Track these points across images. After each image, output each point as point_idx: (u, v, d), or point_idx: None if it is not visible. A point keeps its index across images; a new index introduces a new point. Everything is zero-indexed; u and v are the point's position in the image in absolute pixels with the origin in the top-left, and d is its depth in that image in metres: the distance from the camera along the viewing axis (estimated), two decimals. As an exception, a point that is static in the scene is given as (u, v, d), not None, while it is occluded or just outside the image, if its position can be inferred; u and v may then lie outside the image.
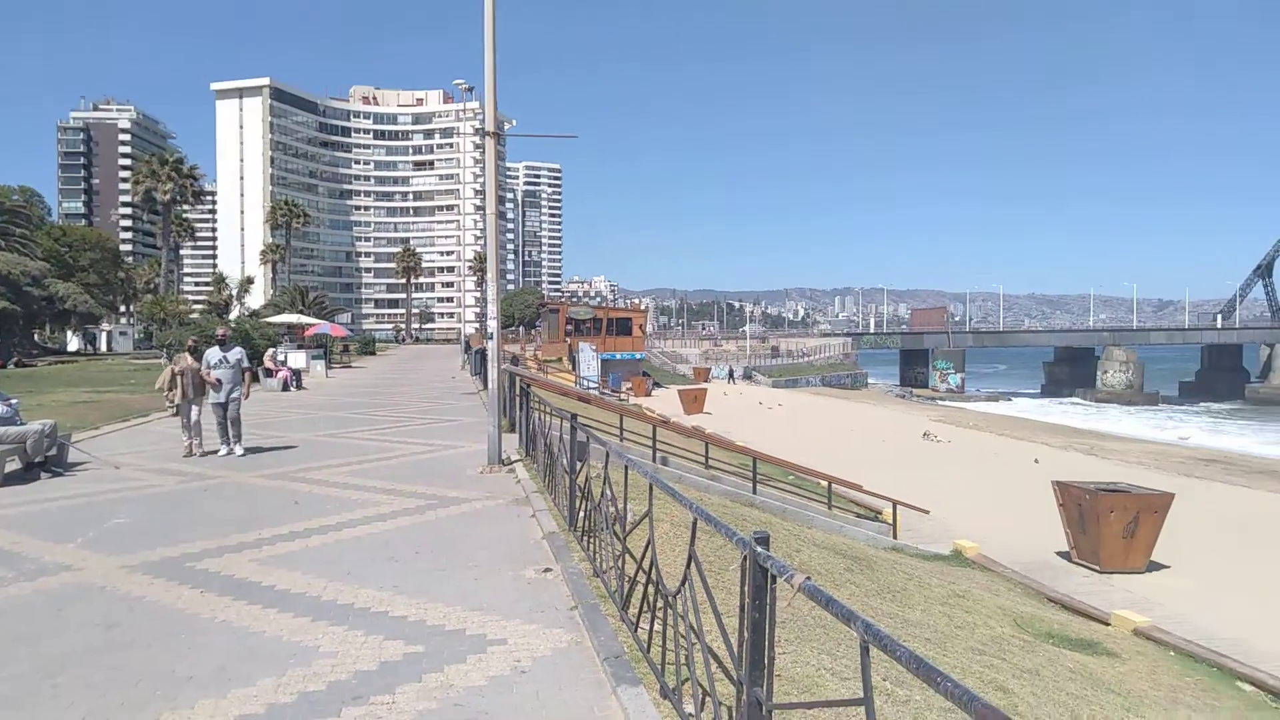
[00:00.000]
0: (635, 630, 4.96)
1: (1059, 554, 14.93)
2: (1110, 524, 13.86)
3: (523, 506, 9.01)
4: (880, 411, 48.54)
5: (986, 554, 13.60)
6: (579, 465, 7.61)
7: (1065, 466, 26.54)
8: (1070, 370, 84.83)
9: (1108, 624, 10.28)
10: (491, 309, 12.32)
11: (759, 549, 3.17)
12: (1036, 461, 27.61)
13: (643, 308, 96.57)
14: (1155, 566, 14.13)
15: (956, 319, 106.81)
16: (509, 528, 8.11)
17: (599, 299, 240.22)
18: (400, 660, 4.75)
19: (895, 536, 14.47)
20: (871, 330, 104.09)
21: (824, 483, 16.11)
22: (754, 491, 13.91)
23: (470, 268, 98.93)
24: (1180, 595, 12.78)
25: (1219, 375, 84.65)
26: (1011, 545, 15.19)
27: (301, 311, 52.56)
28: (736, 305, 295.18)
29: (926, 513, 15.24)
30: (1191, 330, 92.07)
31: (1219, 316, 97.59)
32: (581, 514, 7.21)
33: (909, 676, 3.74)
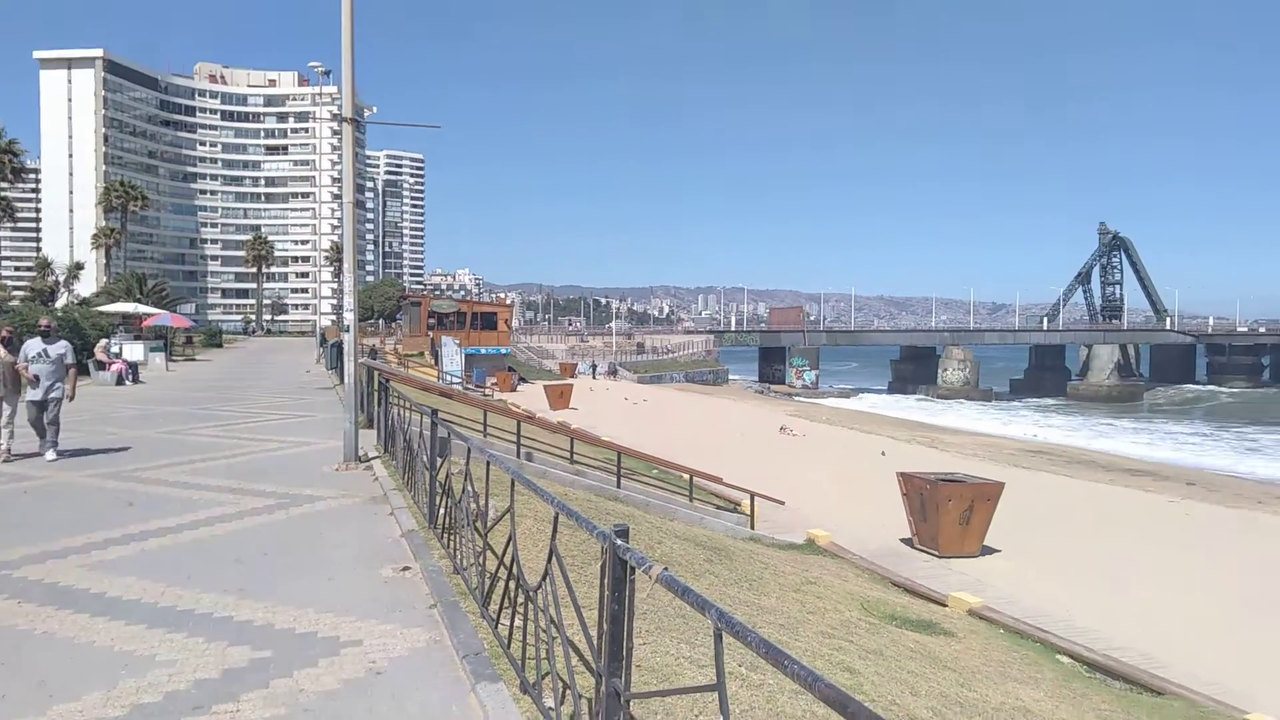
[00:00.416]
0: (496, 627, 4.92)
1: (903, 540, 15.81)
2: (948, 512, 14.79)
3: (380, 504, 8.76)
4: (740, 407, 49.95)
5: (837, 542, 14.24)
6: (440, 461, 7.46)
7: (909, 458, 28.12)
8: (914, 368, 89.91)
9: (945, 605, 10.98)
10: (348, 301, 11.89)
11: (618, 542, 3.21)
12: (883, 454, 29.11)
13: (509, 302, 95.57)
14: (988, 550, 15.18)
15: (812, 319, 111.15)
16: (366, 526, 7.86)
17: (463, 293, 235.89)
18: (246, 666, 4.52)
19: (753, 527, 14.94)
20: (733, 328, 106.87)
21: (686, 476, 16.43)
22: (618, 486, 14.03)
23: (327, 258, 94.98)
24: (1009, 577, 13.78)
25: (1045, 373, 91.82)
26: (860, 533, 15.97)
27: (139, 300, 48.98)
28: (603, 302, 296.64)
29: (782, 503, 15.82)
30: (1021, 331, 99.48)
31: (1045, 319, 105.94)
32: (442, 511, 7.08)
33: (762, 661, 3.87)
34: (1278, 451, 43.97)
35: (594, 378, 62.07)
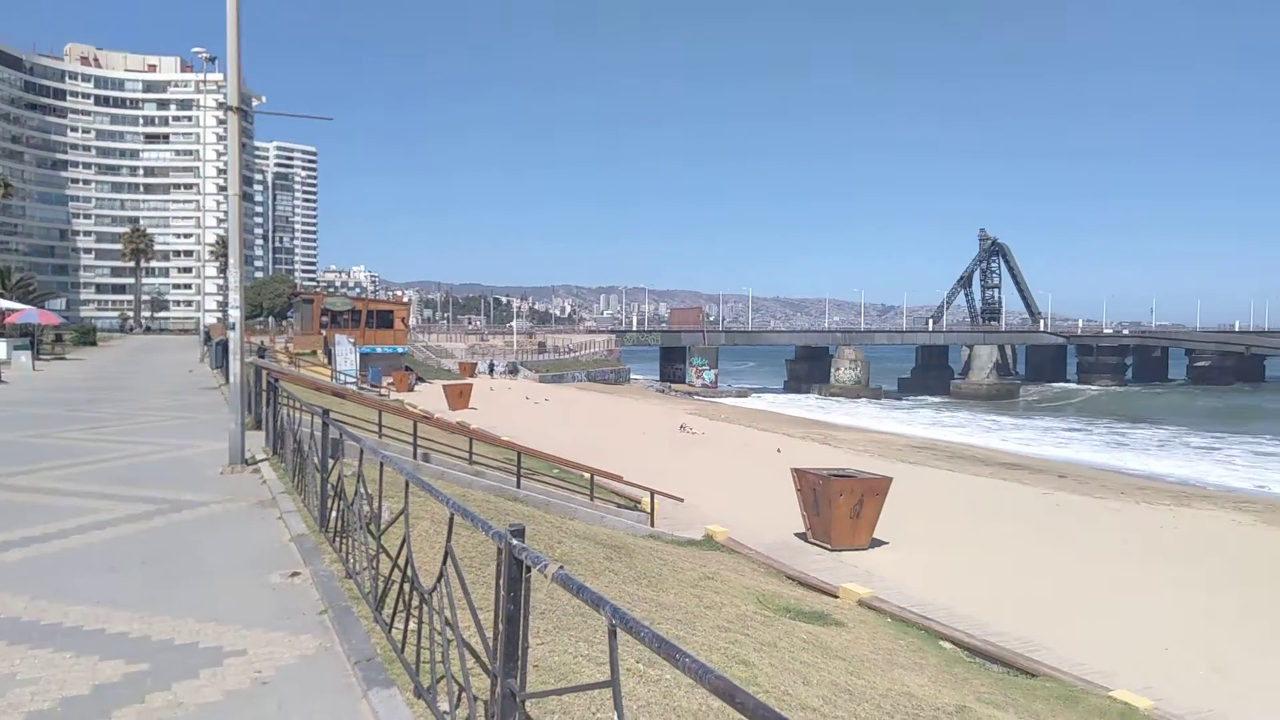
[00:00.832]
0: (390, 631, 4.82)
1: (797, 535, 16.23)
2: (840, 506, 15.27)
3: (269, 508, 8.45)
4: (641, 406, 50.28)
5: (735, 538, 14.51)
6: (332, 463, 7.25)
7: (804, 455, 28.88)
8: (809, 367, 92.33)
9: (836, 596, 11.34)
10: (234, 297, 11.41)
11: (514, 541, 3.19)
12: (779, 451, 29.81)
13: (405, 300, 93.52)
14: (877, 543, 15.74)
15: (711, 319, 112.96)
16: (253, 531, 7.57)
17: (358, 290, 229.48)
18: (119, 681, 4.30)
19: (653, 525, 15.07)
20: (634, 328, 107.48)
21: (587, 475, 16.44)
22: (518, 486, 13.93)
23: (212, 252, 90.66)
24: (896, 567, 14.33)
25: (930, 372, 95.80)
26: (757, 528, 16.31)
27: (2, 295, 45.73)
28: (504, 300, 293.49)
29: (681, 500, 16.02)
30: (908, 332, 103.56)
31: (930, 321, 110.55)
32: (334, 514, 6.88)
33: (660, 657, 3.94)
34: (1145, 445, 47.12)
35: (492, 376, 61.37)
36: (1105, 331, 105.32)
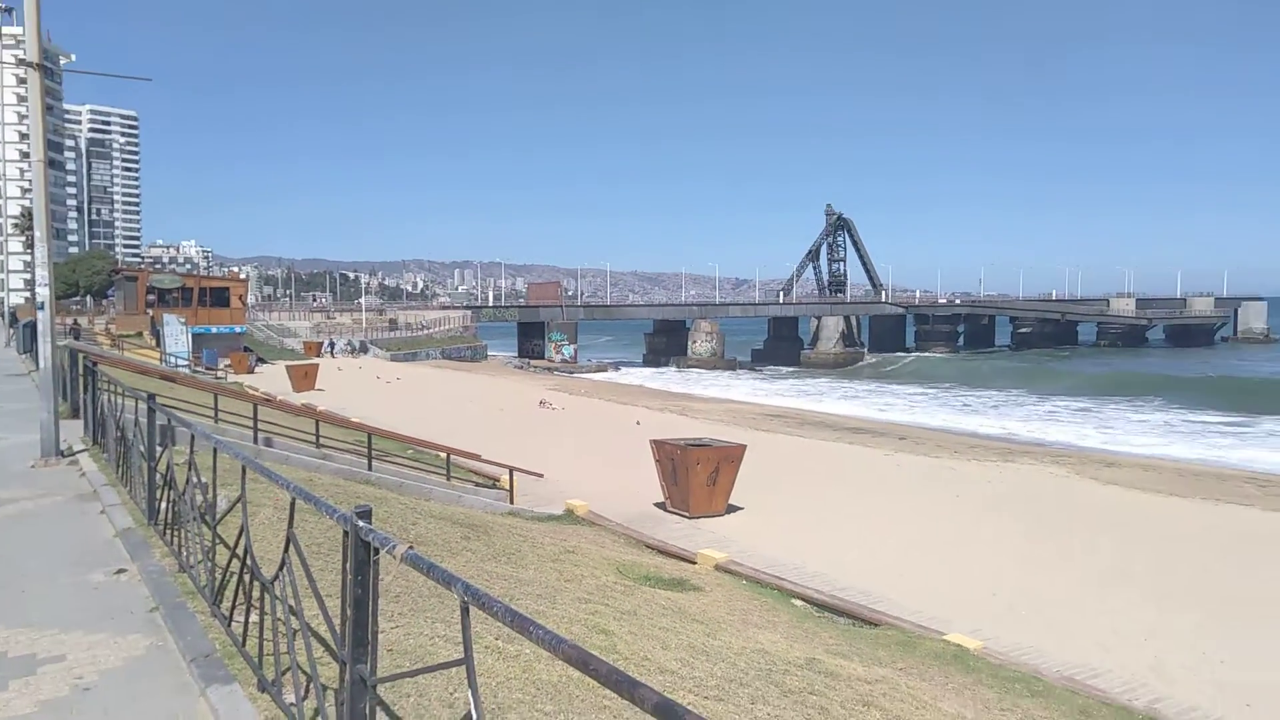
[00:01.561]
0: (229, 625, 4.54)
1: (656, 504, 16.52)
2: (697, 474, 15.63)
3: (89, 502, 7.79)
4: (499, 382, 49.70)
5: (595, 510, 14.59)
6: (161, 452, 6.75)
7: (662, 426, 29.36)
8: (667, 340, 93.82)
9: (695, 563, 11.61)
10: (42, 274, 10.40)
11: (360, 523, 3.05)
12: (638, 423, 30.18)
13: (243, 277, 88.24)
14: (733, 509, 16.22)
15: (570, 293, 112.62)
16: (71, 528, 6.96)
17: (189, 266, 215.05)
18: (-90, 701, 3.85)
19: (512, 502, 14.95)
20: (491, 304, 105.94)
21: (442, 455, 16.09)
22: (369, 468, 13.46)
23: (16, 225, 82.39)
24: (751, 531, 14.84)
25: (782, 343, 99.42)
26: (617, 500, 16.47)
27: None
28: (351, 276, 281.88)
29: (541, 476, 15.95)
30: (761, 305, 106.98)
31: (781, 293, 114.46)
32: (164, 505, 6.43)
33: (515, 631, 3.91)
34: (977, 407, 50.62)
35: (333, 355, 58.98)
36: (940, 301, 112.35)
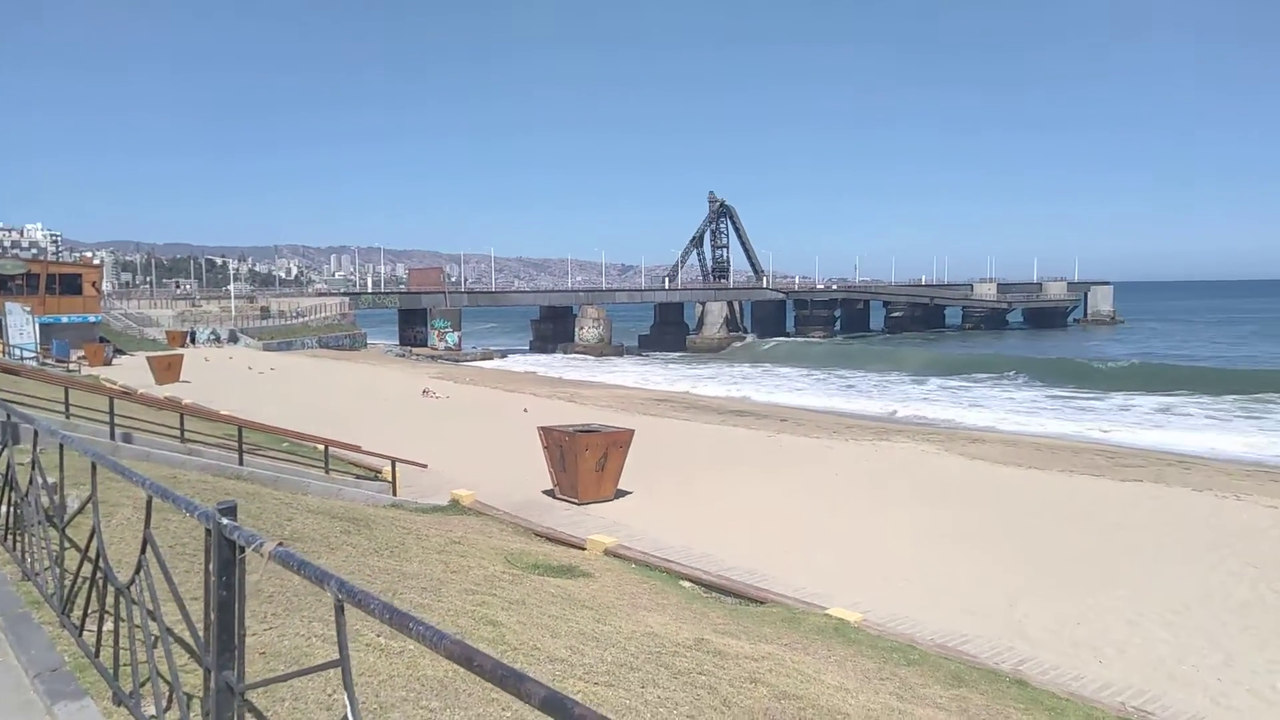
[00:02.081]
0: (80, 635, 4.20)
1: (545, 492, 16.40)
2: (585, 460, 15.59)
3: (-83, 509, 7.08)
4: (381, 371, 48.28)
5: (482, 500, 14.36)
6: (1, 451, 6.19)
7: (550, 413, 29.19)
8: (554, 327, 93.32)
9: (584, 549, 11.58)
10: None
11: (224, 520, 2.85)
12: (526, 410, 29.89)
13: (96, 262, 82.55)
14: (621, 493, 16.28)
15: (453, 279, 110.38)
16: (-106, 537, 6.30)
17: (34, 252, 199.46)
18: None
19: (395, 494, 14.53)
20: (370, 290, 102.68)
21: (320, 446, 15.48)
22: (241, 463, 12.80)
23: None
24: (640, 515, 14.93)
25: (668, 329, 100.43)
26: (505, 489, 16.27)
27: None
28: (219, 262, 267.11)
29: (425, 467, 15.56)
30: (647, 291, 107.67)
31: (666, 279, 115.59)
32: (5, 509, 5.90)
33: (393, 628, 3.78)
34: (854, 388, 52.48)
35: (194, 345, 56.00)
36: (818, 287, 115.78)
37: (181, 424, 13.98)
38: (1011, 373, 56.37)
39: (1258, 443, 29.97)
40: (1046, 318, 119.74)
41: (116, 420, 12.50)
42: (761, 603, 9.40)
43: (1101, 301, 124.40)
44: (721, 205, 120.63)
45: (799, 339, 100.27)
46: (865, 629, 8.36)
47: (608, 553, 11.25)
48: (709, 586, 10.05)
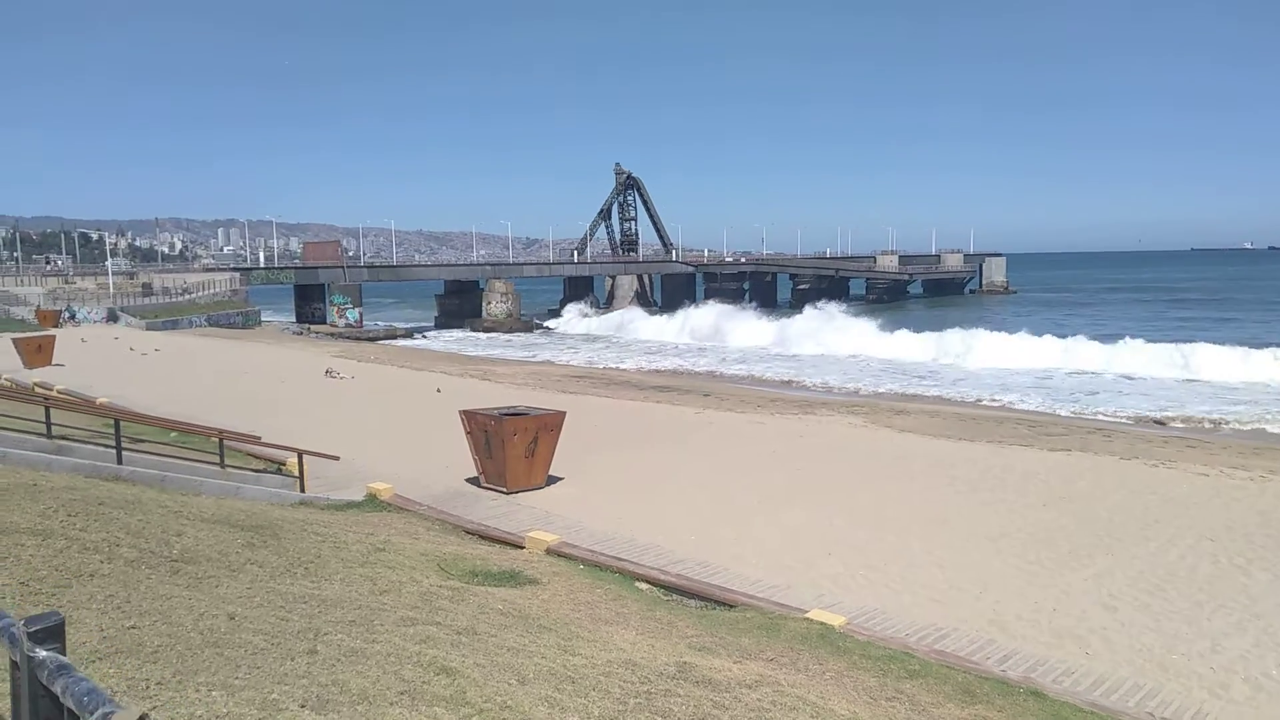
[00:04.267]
0: None
1: (469, 480, 15.15)
2: (514, 446, 14.39)
3: None
4: (278, 351, 45.51)
5: (401, 493, 13.03)
6: None
7: (465, 392, 27.72)
8: (460, 302, 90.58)
9: (523, 547, 10.46)
10: None
11: (39, 653, 1.64)
12: (439, 390, 28.35)
13: (-45, 237, 75.63)
14: (552, 479, 15.17)
15: (351, 254, 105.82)
16: None
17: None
18: None
19: (303, 490, 13.04)
20: (263, 265, 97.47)
21: (215, 439, 13.80)
22: (119, 461, 11.12)
23: None
24: (575, 503, 13.86)
25: (577, 302, 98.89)
26: (424, 479, 14.95)
27: None
28: (95, 236, 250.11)
29: (337, 459, 14.07)
30: (556, 264, 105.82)
31: (575, 253, 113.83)
32: None
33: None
34: (777, 361, 52.22)
35: (75, 324, 51.83)
36: (727, 260, 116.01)
37: (48, 417, 12.12)
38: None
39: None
40: (944, 288, 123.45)
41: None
42: (730, 606, 8.48)
43: (995, 272, 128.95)
44: (629, 178, 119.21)
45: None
46: (851, 634, 7.55)
47: (550, 551, 10.15)
48: (667, 588, 9.08)
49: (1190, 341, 43.64)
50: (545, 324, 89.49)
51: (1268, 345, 41.69)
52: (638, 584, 9.17)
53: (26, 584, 5.26)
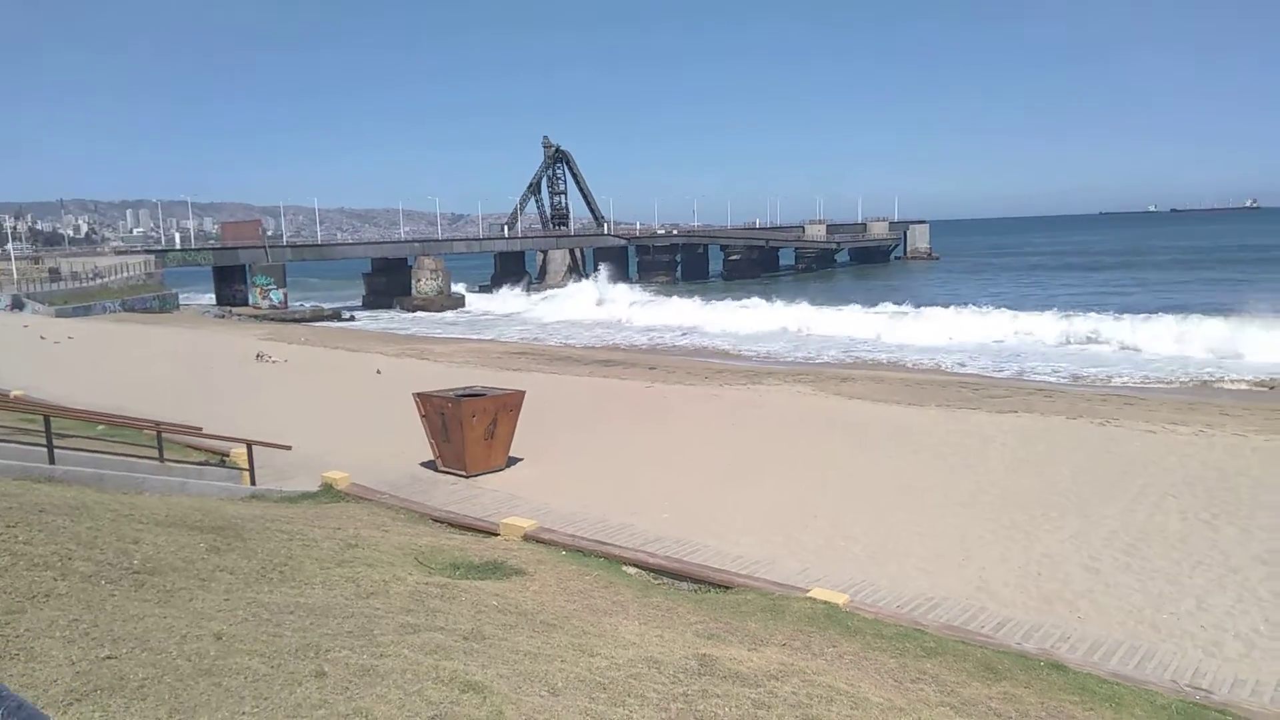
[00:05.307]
0: None
1: (424, 464, 14.59)
2: (473, 428, 13.86)
3: None
4: (201, 335, 43.54)
5: (359, 482, 12.39)
6: None
7: (406, 373, 26.87)
8: (388, 280, 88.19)
9: (498, 534, 10.00)
10: None
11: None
12: (379, 372, 27.42)
13: None
14: (512, 460, 14.70)
15: (271, 233, 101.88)
16: None
17: None
18: None
19: (253, 482, 12.29)
20: (178, 246, 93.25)
21: (150, 431, 12.91)
22: (51, 461, 10.25)
23: None
24: (538, 484, 13.43)
25: (509, 278, 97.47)
26: (378, 464, 14.31)
27: None
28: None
29: (289, 448, 13.31)
30: (486, 240, 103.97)
31: (505, 228, 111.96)
32: None
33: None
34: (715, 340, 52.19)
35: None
36: (659, 233, 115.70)
37: (-37, 416, 11.11)
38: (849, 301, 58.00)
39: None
40: (871, 256, 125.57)
41: None
42: (726, 587, 8.20)
43: (919, 239, 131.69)
44: (557, 151, 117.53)
45: (642, 286, 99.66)
46: (858, 612, 7.34)
47: (528, 538, 9.71)
48: (657, 571, 8.76)
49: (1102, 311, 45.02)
50: (482, 305, 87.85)
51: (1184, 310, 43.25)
52: (625, 568, 8.82)
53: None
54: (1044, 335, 40.94)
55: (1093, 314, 43.63)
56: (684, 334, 49.62)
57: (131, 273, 67.83)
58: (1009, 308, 47.30)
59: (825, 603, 7.35)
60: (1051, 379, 30.05)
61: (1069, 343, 39.26)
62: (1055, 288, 72.85)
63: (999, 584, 9.30)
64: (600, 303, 74.36)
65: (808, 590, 7.72)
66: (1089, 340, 39.10)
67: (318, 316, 70.94)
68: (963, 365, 33.01)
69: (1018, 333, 41.88)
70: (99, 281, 64.07)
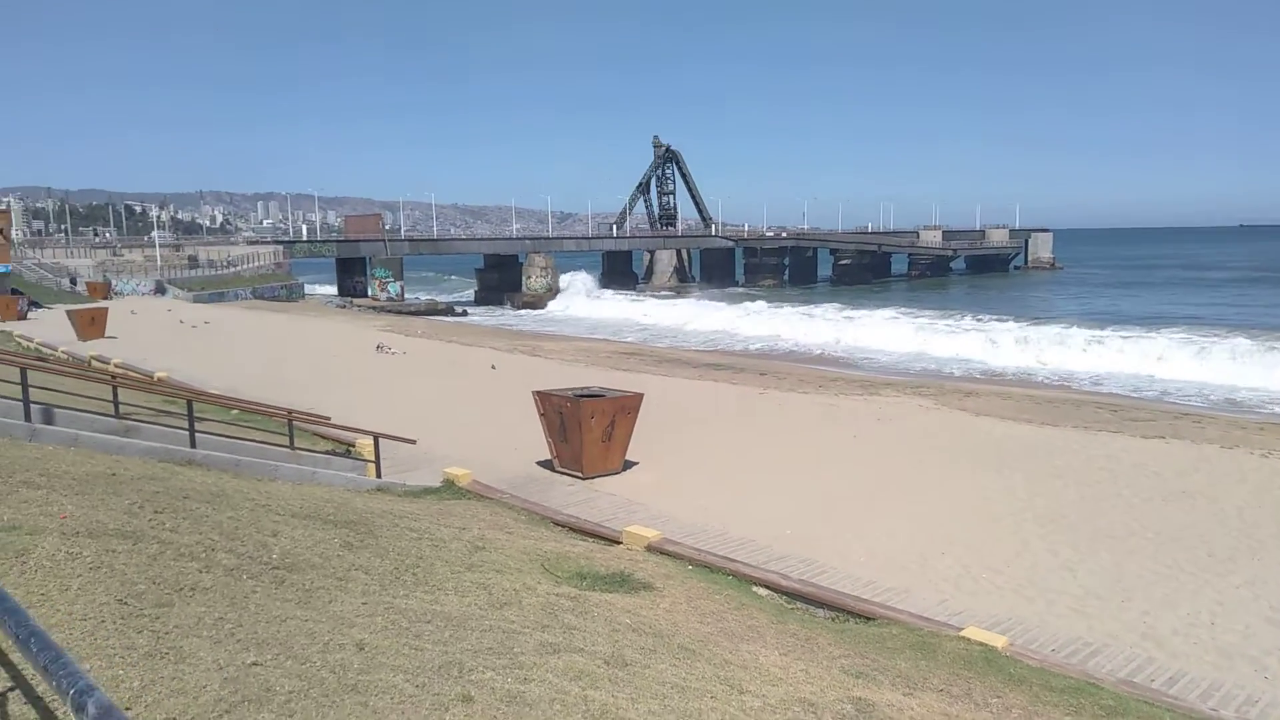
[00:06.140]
0: None
1: (540, 463, 14.51)
2: (591, 429, 13.67)
3: None
4: (325, 324, 45.27)
5: (480, 480, 12.37)
6: None
7: (519, 369, 27.12)
8: (499, 276, 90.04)
9: (620, 542, 9.73)
10: None
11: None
12: (494, 367, 27.75)
13: (4, 208, 76.48)
14: (628, 464, 14.45)
15: (389, 227, 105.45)
16: None
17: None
18: None
19: (379, 475, 12.41)
20: (304, 238, 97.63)
21: (282, 418, 13.23)
22: (193, 445, 10.54)
23: None
24: (656, 490, 13.12)
25: (617, 277, 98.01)
26: (496, 461, 14.30)
27: None
28: (138, 209, 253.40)
29: (413, 442, 13.39)
30: (595, 238, 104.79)
31: (614, 227, 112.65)
32: None
33: None
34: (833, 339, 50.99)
35: (161, 295, 52.08)
36: (767, 235, 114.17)
37: (115, 397, 11.57)
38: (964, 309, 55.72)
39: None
40: (989, 264, 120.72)
41: (29, 395, 10.03)
42: (868, 618, 7.67)
43: (1041, 248, 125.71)
44: (667, 150, 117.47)
45: (748, 289, 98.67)
46: (1019, 658, 6.70)
47: (652, 549, 9.40)
48: (790, 595, 8.29)
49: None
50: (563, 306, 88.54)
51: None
52: (755, 589, 8.39)
53: (124, 602, 4.58)
54: (1182, 361, 37.88)
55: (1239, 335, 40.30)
56: (796, 344, 48.57)
57: (261, 262, 71.33)
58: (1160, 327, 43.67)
59: (982, 644, 6.75)
60: (1196, 402, 27.93)
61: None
62: (1192, 303, 68.19)
63: (1167, 632, 8.44)
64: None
65: (960, 629, 7.12)
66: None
67: (432, 310, 72.91)
68: (1098, 384, 31.05)
69: (1160, 359, 38.72)
70: (232, 270, 67.64)
